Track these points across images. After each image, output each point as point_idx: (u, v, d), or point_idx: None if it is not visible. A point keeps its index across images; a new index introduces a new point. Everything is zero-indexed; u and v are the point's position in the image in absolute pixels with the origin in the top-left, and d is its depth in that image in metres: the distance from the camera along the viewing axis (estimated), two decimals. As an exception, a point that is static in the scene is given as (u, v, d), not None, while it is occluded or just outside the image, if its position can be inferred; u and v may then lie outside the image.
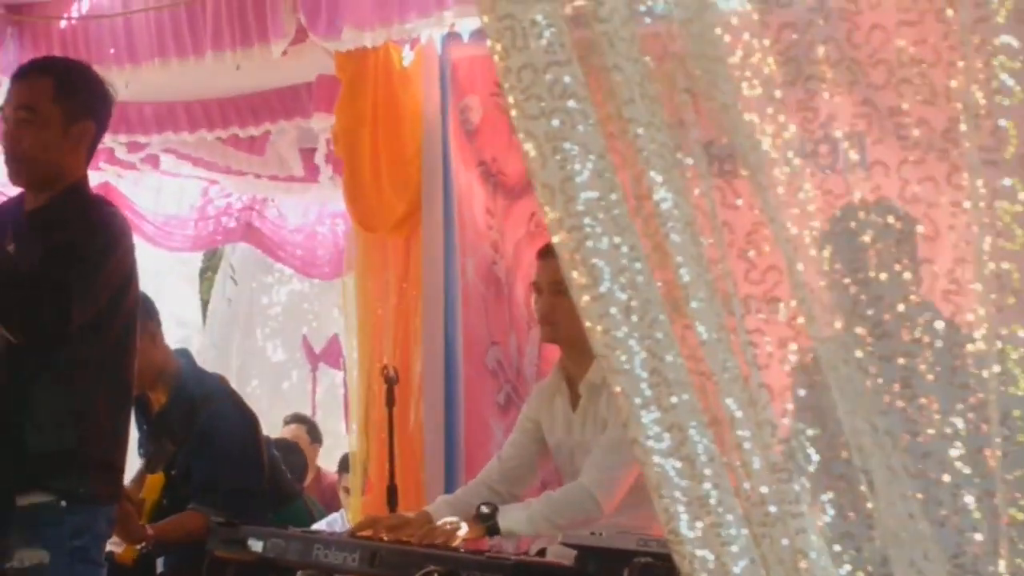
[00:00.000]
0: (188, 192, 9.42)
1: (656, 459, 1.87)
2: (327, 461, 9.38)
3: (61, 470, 3.80)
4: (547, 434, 4.59)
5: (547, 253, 4.51)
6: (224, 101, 7.26)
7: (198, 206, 9.68)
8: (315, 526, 6.20)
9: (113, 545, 4.68)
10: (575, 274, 1.88)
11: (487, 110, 5.59)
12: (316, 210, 10.63)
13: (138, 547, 4.89)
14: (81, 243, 3.79)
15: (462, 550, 4.03)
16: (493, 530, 4.27)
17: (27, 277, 3.69)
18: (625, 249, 1.87)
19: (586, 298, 1.88)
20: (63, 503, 3.79)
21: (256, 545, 4.33)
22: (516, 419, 5.33)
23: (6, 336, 3.74)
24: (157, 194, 9.20)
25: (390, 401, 4.99)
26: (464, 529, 4.22)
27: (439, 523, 4.27)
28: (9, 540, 3.78)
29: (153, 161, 8.17)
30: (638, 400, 1.88)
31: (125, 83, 5.12)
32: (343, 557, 4.10)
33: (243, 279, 11.53)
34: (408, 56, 5.76)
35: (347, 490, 7.24)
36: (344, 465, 7.55)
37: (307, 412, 10.19)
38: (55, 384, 3.83)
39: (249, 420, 5.42)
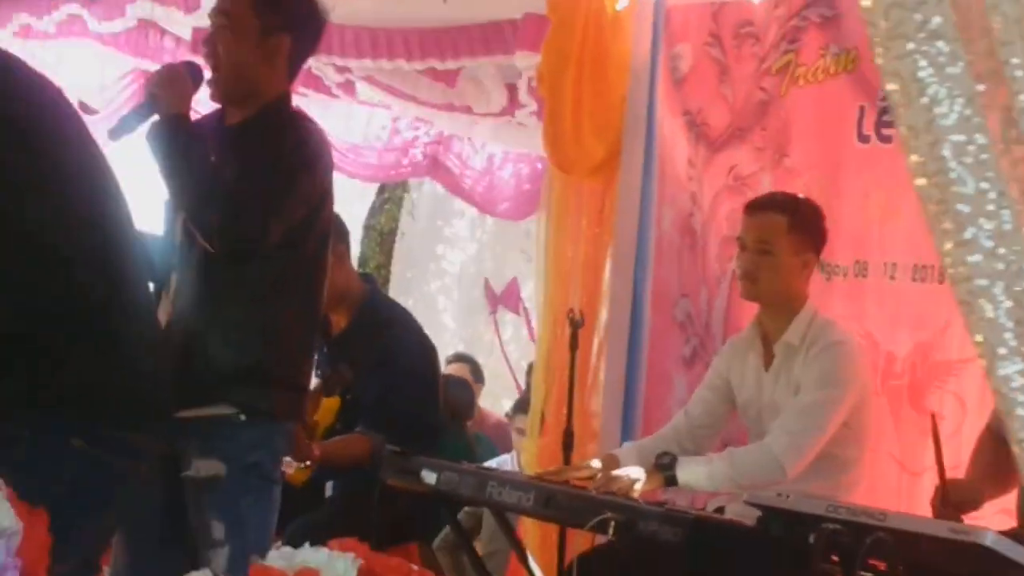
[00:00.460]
0: (376, 122, 9.40)
1: (1019, 411, 1.79)
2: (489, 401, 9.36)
3: (244, 384, 3.77)
4: (736, 391, 4.48)
5: (755, 208, 4.40)
6: (425, 32, 7.17)
7: (385, 137, 9.67)
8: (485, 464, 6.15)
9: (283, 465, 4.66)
10: (939, 220, 1.78)
11: (697, 60, 5.46)
12: (500, 151, 10.60)
13: (304, 465, 4.84)
14: (280, 159, 3.73)
15: (640, 501, 3.91)
16: (671, 480, 4.18)
17: (227, 189, 3.65)
18: (992, 195, 1.77)
19: (949, 245, 1.80)
20: (242, 417, 3.76)
21: (429, 477, 4.26)
22: (701, 374, 5.23)
23: (203, 247, 3.71)
24: (347, 121, 9.19)
25: (573, 345, 4.92)
26: (642, 480, 4.12)
27: (619, 472, 4.17)
28: (188, 450, 3.77)
29: (348, 88, 8.14)
30: (1002, 350, 1.79)
31: (332, 5, 5.04)
32: (518, 496, 4.02)
33: (422, 217, 11.55)
34: (622, 1, 5.61)
35: (520, 431, 7.18)
36: (520, 407, 7.49)
37: (486, 354, 10.16)
38: (246, 299, 3.79)
39: (428, 350, 5.37)
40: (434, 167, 10.28)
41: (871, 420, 4.34)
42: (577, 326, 4.88)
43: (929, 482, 4.47)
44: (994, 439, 3.88)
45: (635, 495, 4.07)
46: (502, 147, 9.84)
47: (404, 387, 5.10)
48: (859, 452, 4.29)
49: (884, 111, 4.72)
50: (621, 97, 5.62)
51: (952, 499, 3.69)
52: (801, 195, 4.54)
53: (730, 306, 5.24)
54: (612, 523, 3.63)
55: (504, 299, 12.28)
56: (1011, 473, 3.81)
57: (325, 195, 3.89)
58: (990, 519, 3.87)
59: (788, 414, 4.19)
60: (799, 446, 4.14)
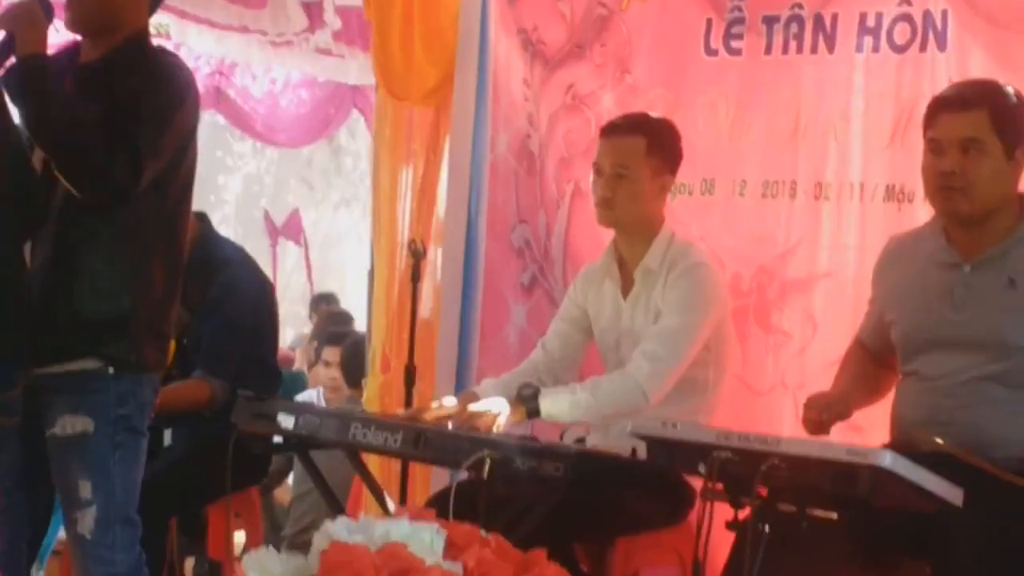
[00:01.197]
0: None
1: None
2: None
3: (113, 336, 3.60)
4: (593, 320, 4.44)
5: (611, 131, 4.33)
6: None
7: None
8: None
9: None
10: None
11: None
12: (282, 78, 10.40)
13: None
14: (148, 95, 3.55)
15: (513, 436, 3.86)
16: (533, 412, 4.13)
17: (94, 129, 3.45)
18: None
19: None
20: (110, 370, 3.60)
21: (287, 421, 4.15)
22: (541, 301, 5.20)
23: (66, 192, 3.51)
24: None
25: (415, 277, 4.82)
26: (505, 414, 4.07)
27: (479, 407, 4.11)
28: (52, 406, 3.59)
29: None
30: None
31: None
32: (384, 438, 3.93)
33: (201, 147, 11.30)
34: (448, -87, 5.48)
35: (328, 364, 7.07)
36: (330, 339, 7.37)
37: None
38: (111, 246, 3.62)
39: (264, 289, 5.22)
40: (217, 98, 10.04)
41: (730, 342, 4.34)
42: (419, 257, 4.78)
43: (774, 401, 4.53)
44: (862, 350, 3.93)
45: (498, 429, 4.04)
46: (297, 73, 9.60)
47: (239, 329, 4.95)
48: (718, 374, 4.29)
49: (733, 23, 4.69)
50: (452, 18, 5.48)
51: (825, 409, 3.67)
52: (655, 114, 4.48)
53: (569, 230, 5.18)
54: (488, 461, 3.57)
55: (285, 230, 12.12)
56: (879, 384, 3.88)
57: (191, 133, 3.73)
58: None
59: (649, 340, 4.17)
60: (661, 372, 4.12)
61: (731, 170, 4.70)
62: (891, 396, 3.82)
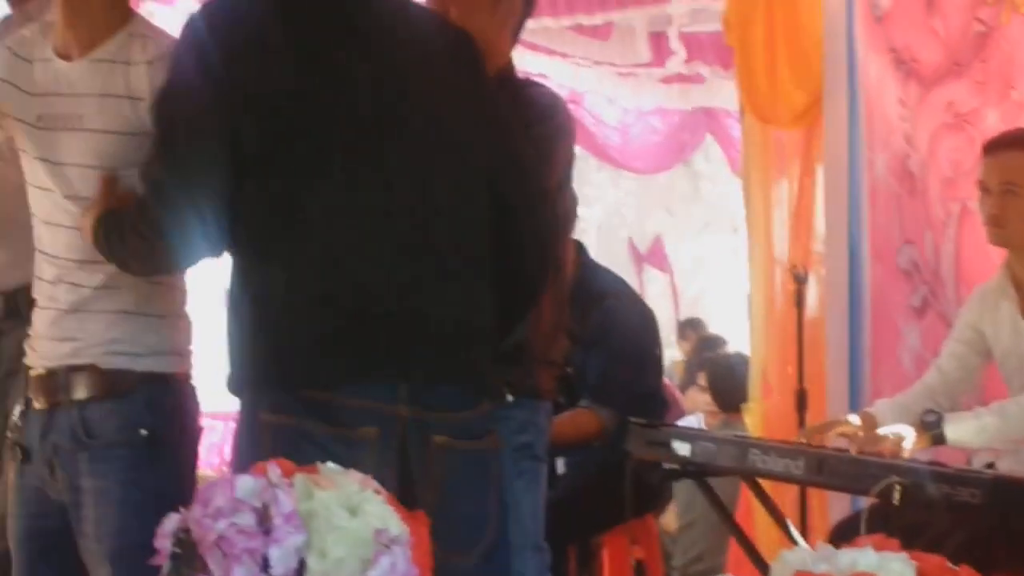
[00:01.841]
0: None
1: None
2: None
3: (510, 363, 3.63)
4: (992, 342, 4.26)
5: (994, 148, 4.17)
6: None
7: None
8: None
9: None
10: None
11: None
12: (634, 105, 10.45)
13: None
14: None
15: (921, 462, 3.72)
16: (938, 439, 3.99)
17: None
18: None
19: None
20: (510, 397, 3.62)
21: (682, 448, 4.13)
22: (934, 323, 5.05)
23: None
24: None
25: (799, 301, 4.76)
26: (910, 439, 3.94)
27: (884, 431, 3.98)
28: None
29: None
30: None
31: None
32: (784, 464, 3.86)
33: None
34: (809, -62, 5.43)
35: (703, 389, 7.01)
36: (701, 365, 7.34)
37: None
38: None
39: (646, 318, 5.22)
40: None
41: None
42: (801, 282, 4.71)
43: None
44: None
45: (904, 455, 3.91)
46: (649, 102, 9.65)
47: (628, 358, 4.95)
48: None
49: None
50: (816, 41, 5.41)
51: None
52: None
53: (960, 250, 5.02)
54: (898, 487, 3.45)
55: (649, 257, 12.14)
56: None
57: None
58: None
59: None
60: None
61: None
62: None
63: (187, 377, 2.90)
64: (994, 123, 4.80)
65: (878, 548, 2.03)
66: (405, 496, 2.27)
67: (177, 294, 2.92)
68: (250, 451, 2.55)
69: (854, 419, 4.21)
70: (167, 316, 2.83)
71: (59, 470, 2.78)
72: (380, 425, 2.60)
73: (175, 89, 2.68)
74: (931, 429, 3.98)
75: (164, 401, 2.78)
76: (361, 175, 2.70)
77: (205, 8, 2.78)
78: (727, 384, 6.47)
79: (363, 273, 2.65)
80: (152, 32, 2.92)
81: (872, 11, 5.30)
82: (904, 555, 2.20)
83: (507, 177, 2.84)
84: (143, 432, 2.74)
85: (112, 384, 2.76)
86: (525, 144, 2.98)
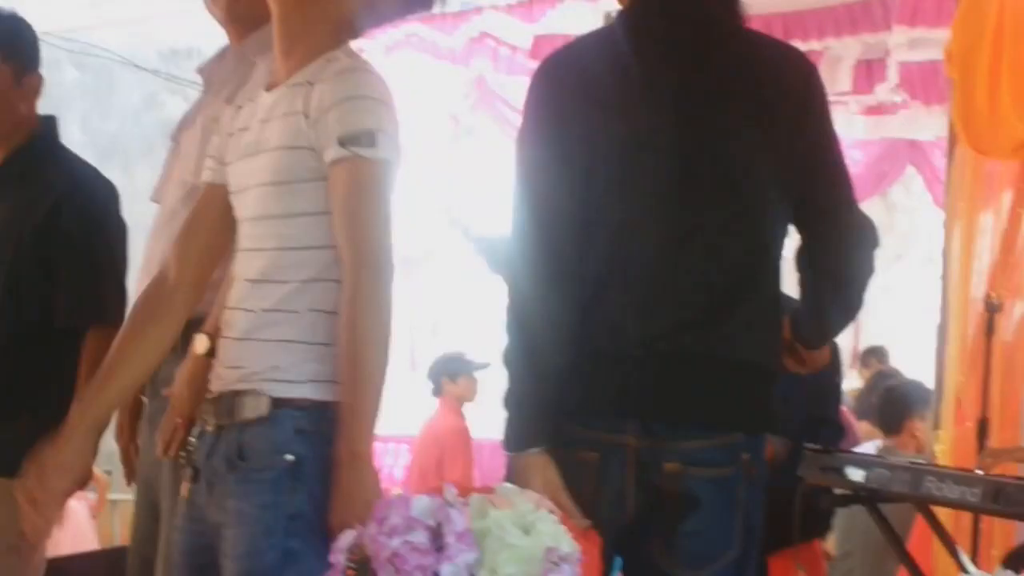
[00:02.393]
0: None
1: None
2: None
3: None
4: None
5: None
6: (787, 16, 6.98)
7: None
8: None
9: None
10: None
11: None
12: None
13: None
14: None
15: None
16: None
17: None
18: None
19: None
20: None
21: (856, 474, 4.08)
22: None
23: None
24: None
25: (989, 330, 4.68)
26: None
27: None
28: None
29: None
30: None
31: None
32: (960, 491, 3.80)
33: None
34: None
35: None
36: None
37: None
38: None
39: (832, 348, 5.15)
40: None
41: None
42: (994, 310, 4.65)
43: None
44: None
45: None
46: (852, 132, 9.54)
47: (804, 389, 4.91)
48: None
49: None
50: None
51: None
52: None
53: None
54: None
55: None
56: None
57: None
58: None
59: None
60: None
61: None
62: None
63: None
64: None
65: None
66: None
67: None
68: None
69: None
70: (330, 344, 2.83)
71: (216, 490, 2.85)
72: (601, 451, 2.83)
73: None
74: None
75: (315, 428, 2.79)
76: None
77: None
78: (894, 407, 6.43)
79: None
80: (349, 57, 2.91)
81: None
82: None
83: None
84: (289, 457, 2.77)
85: (268, 409, 2.80)
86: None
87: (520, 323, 2.88)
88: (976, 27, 5.42)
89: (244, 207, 2.96)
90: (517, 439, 2.91)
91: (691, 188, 2.83)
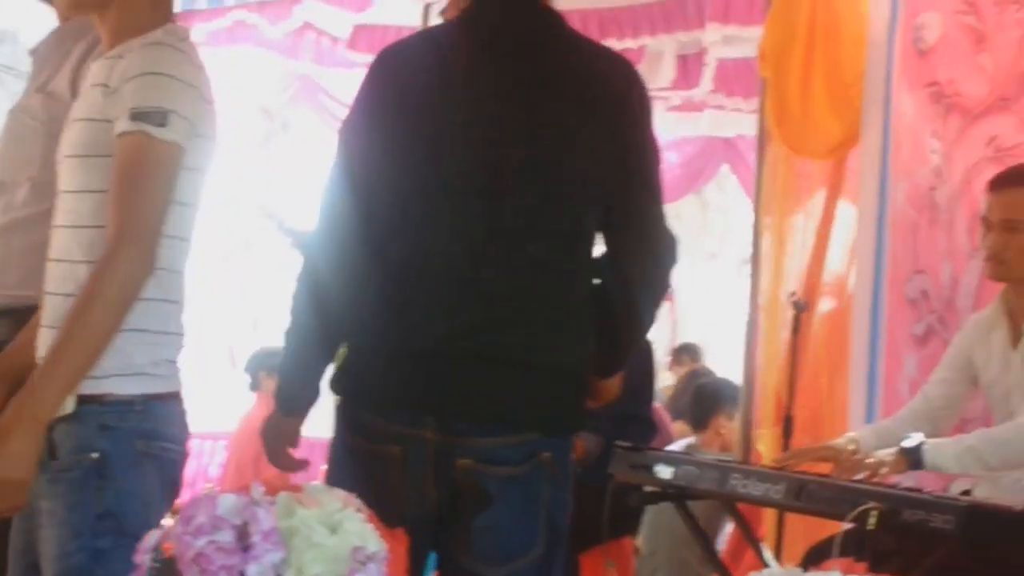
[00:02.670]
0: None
1: None
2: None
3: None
4: (981, 371, 4.32)
5: (999, 185, 4.24)
6: (603, 12, 7.07)
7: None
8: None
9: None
10: None
11: (947, 28, 5.24)
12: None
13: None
14: None
15: (900, 487, 3.78)
16: (917, 464, 4.04)
17: None
18: None
19: None
20: None
21: (664, 471, 4.17)
22: (936, 353, 5.08)
23: None
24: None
25: (796, 328, 4.81)
26: (888, 463, 4.00)
27: (863, 456, 4.05)
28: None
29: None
30: None
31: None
32: (764, 489, 3.90)
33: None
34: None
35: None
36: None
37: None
38: None
39: (646, 349, 5.26)
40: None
41: None
42: (800, 309, 4.77)
43: None
44: None
45: (879, 477, 3.97)
46: (679, 130, 9.67)
47: (623, 387, 4.99)
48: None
49: None
50: (857, 74, 5.46)
51: None
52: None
53: (982, 282, 5.05)
54: (874, 512, 3.51)
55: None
56: None
57: None
58: None
59: None
60: None
61: None
62: None
63: (158, 398, 2.80)
64: None
65: (845, 572, 2.09)
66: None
67: (154, 310, 2.77)
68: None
69: (840, 444, 4.28)
70: (140, 331, 2.72)
71: (33, 490, 2.73)
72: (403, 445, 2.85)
73: None
74: (910, 454, 4.04)
75: (120, 423, 2.71)
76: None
77: None
78: (702, 404, 6.58)
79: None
80: (166, 35, 2.83)
81: (915, 44, 5.33)
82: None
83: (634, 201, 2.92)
84: (93, 455, 2.69)
85: (74, 406, 2.68)
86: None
87: (313, 291, 2.94)
88: (788, 26, 5.55)
89: (60, 179, 2.87)
90: (297, 402, 3.04)
91: (500, 186, 2.85)
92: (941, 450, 4.04)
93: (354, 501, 2.01)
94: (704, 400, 6.64)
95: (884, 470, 4.00)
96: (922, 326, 5.20)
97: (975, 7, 5.08)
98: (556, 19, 2.99)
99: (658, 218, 2.96)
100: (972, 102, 5.11)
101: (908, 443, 4.05)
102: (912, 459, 4.03)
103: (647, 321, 3.03)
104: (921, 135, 5.28)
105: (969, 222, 5.08)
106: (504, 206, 2.86)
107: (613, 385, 3.17)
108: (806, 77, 5.54)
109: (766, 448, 5.67)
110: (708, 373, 8.93)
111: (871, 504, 3.51)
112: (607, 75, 2.95)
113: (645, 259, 2.93)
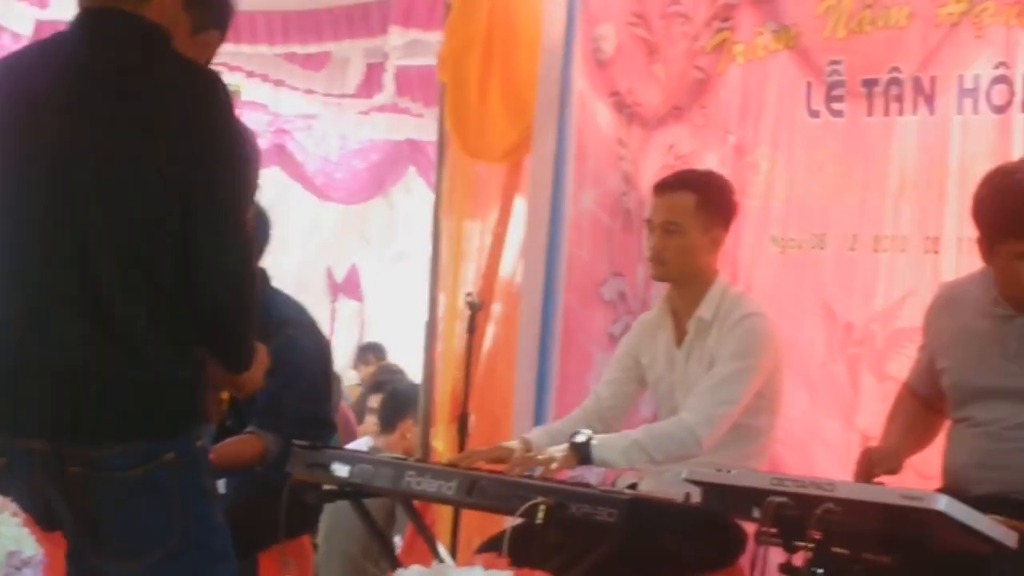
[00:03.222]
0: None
1: None
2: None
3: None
4: (647, 369, 4.48)
5: (662, 188, 4.41)
6: (289, 15, 7.04)
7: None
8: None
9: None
10: None
11: (622, 40, 5.42)
12: (340, 135, 10.51)
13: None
14: None
15: (568, 482, 3.89)
16: (586, 459, 4.17)
17: None
18: None
19: None
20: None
21: (341, 470, 4.20)
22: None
23: None
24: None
25: (471, 328, 4.88)
26: (559, 460, 4.12)
27: (533, 454, 4.16)
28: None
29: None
30: None
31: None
32: (438, 485, 3.97)
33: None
34: (534, -18, 5.62)
35: (373, 411, 7.16)
36: (375, 387, 7.47)
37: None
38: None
39: (322, 347, 5.24)
40: (280, 156, 10.19)
41: (782, 389, 4.38)
42: (475, 309, 4.85)
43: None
44: (912, 397, 3.99)
45: (550, 472, 4.08)
46: (356, 132, 9.75)
47: (295, 387, 4.97)
48: (771, 421, 4.34)
49: (833, 86, 4.81)
50: (533, 80, 5.59)
51: (877, 465, 3.74)
52: (712, 170, 4.54)
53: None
54: (543, 507, 3.60)
55: (345, 286, 12.21)
56: (927, 431, 3.93)
57: None
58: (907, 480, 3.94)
59: (703, 387, 4.21)
60: (714, 418, 4.16)
61: (841, 226, 4.79)
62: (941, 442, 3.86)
63: None
64: (713, 165, 5.02)
65: (487, 566, 2.16)
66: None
67: None
68: None
69: (514, 444, 4.38)
70: None
71: None
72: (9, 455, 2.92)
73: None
74: (579, 450, 4.15)
75: None
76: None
77: None
78: (393, 408, 6.62)
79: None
80: None
81: (595, 55, 5.50)
82: (509, 573, 2.34)
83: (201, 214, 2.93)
84: None
85: None
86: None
87: None
88: (467, 32, 5.66)
89: None
90: None
91: (76, 208, 2.91)
92: (609, 445, 4.18)
93: (10, 505, 1.98)
94: (395, 402, 6.69)
95: (554, 465, 4.11)
96: (619, 326, 5.38)
97: (645, 19, 5.29)
98: (151, 39, 3.01)
99: (235, 248, 2.98)
100: (650, 111, 5.33)
101: (578, 439, 4.17)
102: (581, 454, 4.15)
103: (239, 320, 3.06)
104: (608, 143, 5.45)
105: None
106: (82, 232, 2.91)
107: (252, 378, 3.28)
108: (484, 82, 5.65)
109: (442, 445, 5.75)
110: (398, 371, 8.98)
111: (539, 499, 3.61)
112: (188, 100, 2.95)
113: (222, 267, 2.96)
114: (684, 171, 4.52)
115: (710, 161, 5.09)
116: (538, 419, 5.43)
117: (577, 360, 5.48)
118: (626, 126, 5.40)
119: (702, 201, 4.31)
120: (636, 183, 5.36)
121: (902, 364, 4.53)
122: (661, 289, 5.14)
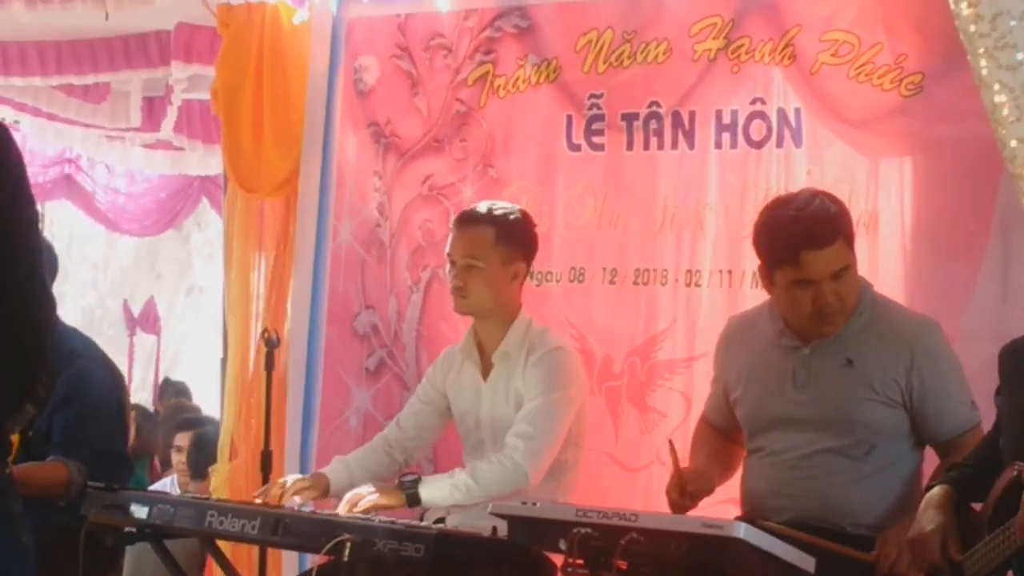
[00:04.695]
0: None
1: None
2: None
3: None
4: (453, 402, 4.50)
5: (462, 223, 4.44)
6: (63, 44, 6.91)
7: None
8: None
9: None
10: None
11: (385, 71, 5.43)
12: (128, 169, 10.36)
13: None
14: None
15: (375, 519, 3.87)
16: (413, 499, 4.19)
17: None
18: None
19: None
20: None
21: (140, 511, 4.12)
22: (390, 385, 5.28)
23: None
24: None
25: (269, 365, 4.83)
26: (374, 496, 4.11)
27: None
28: None
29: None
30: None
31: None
32: (241, 525, 3.92)
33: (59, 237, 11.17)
34: (301, 15, 5.59)
35: (180, 449, 7.05)
36: (182, 424, 7.35)
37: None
38: None
39: (115, 380, 5.13)
40: (69, 189, 9.99)
41: (587, 423, 4.43)
42: (272, 346, 4.80)
43: (646, 478, 4.62)
44: (710, 428, 4.07)
45: (369, 509, 4.08)
46: (144, 167, 9.59)
47: (96, 418, 4.86)
48: (577, 454, 4.39)
49: (593, 120, 4.88)
50: (301, 114, 5.58)
51: (689, 483, 3.80)
52: (514, 205, 4.57)
53: (424, 315, 5.28)
54: (349, 544, 3.59)
55: (142, 321, 12.02)
56: (731, 459, 4.01)
57: None
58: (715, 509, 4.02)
59: (520, 422, 4.24)
60: (537, 450, 4.21)
61: (601, 259, 4.86)
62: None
63: None
64: (470, 197, 5.10)
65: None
66: None
67: None
68: None
69: (292, 479, 4.38)
70: None
71: None
72: None
73: None
74: (406, 490, 4.17)
75: None
76: None
77: None
78: (200, 454, 6.53)
79: None
80: None
81: (356, 86, 5.49)
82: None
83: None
84: None
85: None
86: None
87: None
88: (239, 65, 5.62)
89: None
90: None
91: None
92: (436, 485, 4.22)
93: None
94: (204, 450, 6.56)
95: (369, 500, 4.11)
96: (374, 360, 5.40)
97: (408, 51, 5.32)
98: None
99: (28, 282, 2.92)
100: (408, 142, 5.36)
101: (406, 479, 4.20)
102: (408, 494, 4.18)
103: (31, 358, 2.96)
104: (365, 174, 5.47)
105: (409, 258, 5.32)
106: None
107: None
108: (256, 116, 5.63)
109: (219, 481, 5.68)
110: (195, 409, 8.85)
111: (345, 536, 3.59)
112: None
113: (19, 292, 2.88)
114: (483, 205, 4.54)
115: (468, 193, 5.15)
116: (303, 455, 5.45)
117: (338, 395, 5.49)
118: (382, 157, 5.41)
119: (501, 235, 4.35)
120: (389, 214, 5.38)
121: (664, 396, 4.66)
122: (411, 322, 5.20)
